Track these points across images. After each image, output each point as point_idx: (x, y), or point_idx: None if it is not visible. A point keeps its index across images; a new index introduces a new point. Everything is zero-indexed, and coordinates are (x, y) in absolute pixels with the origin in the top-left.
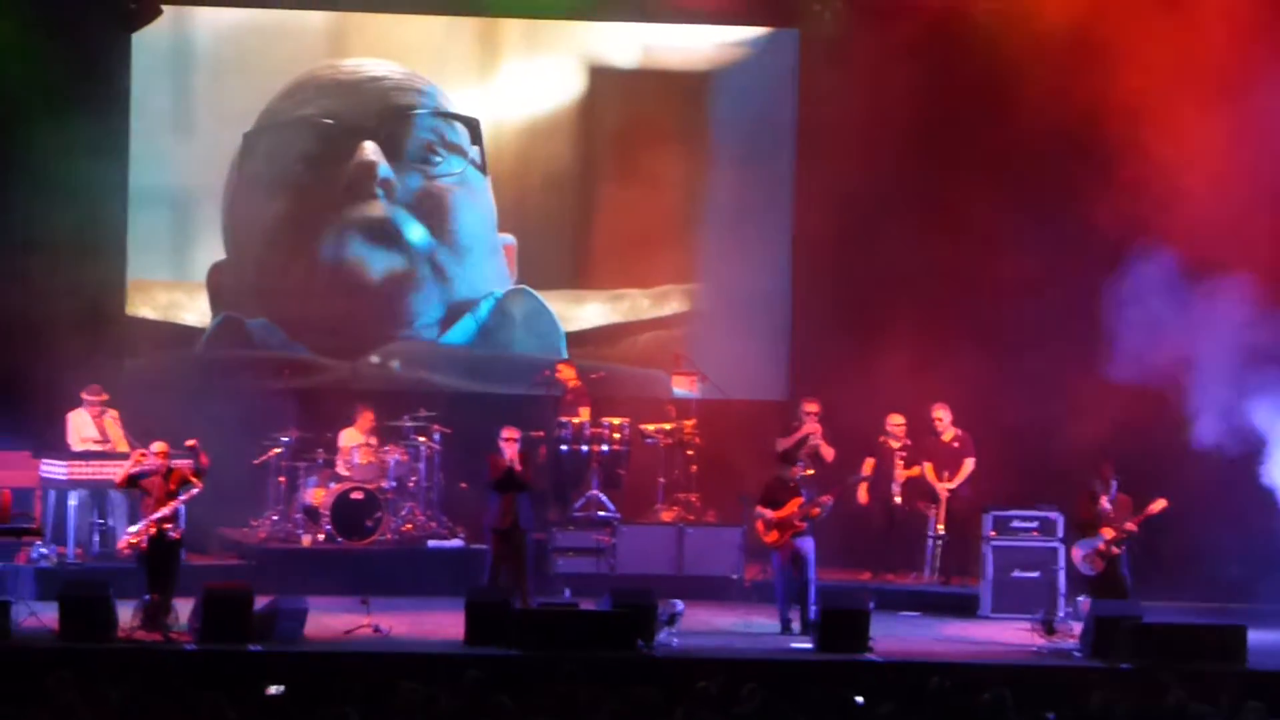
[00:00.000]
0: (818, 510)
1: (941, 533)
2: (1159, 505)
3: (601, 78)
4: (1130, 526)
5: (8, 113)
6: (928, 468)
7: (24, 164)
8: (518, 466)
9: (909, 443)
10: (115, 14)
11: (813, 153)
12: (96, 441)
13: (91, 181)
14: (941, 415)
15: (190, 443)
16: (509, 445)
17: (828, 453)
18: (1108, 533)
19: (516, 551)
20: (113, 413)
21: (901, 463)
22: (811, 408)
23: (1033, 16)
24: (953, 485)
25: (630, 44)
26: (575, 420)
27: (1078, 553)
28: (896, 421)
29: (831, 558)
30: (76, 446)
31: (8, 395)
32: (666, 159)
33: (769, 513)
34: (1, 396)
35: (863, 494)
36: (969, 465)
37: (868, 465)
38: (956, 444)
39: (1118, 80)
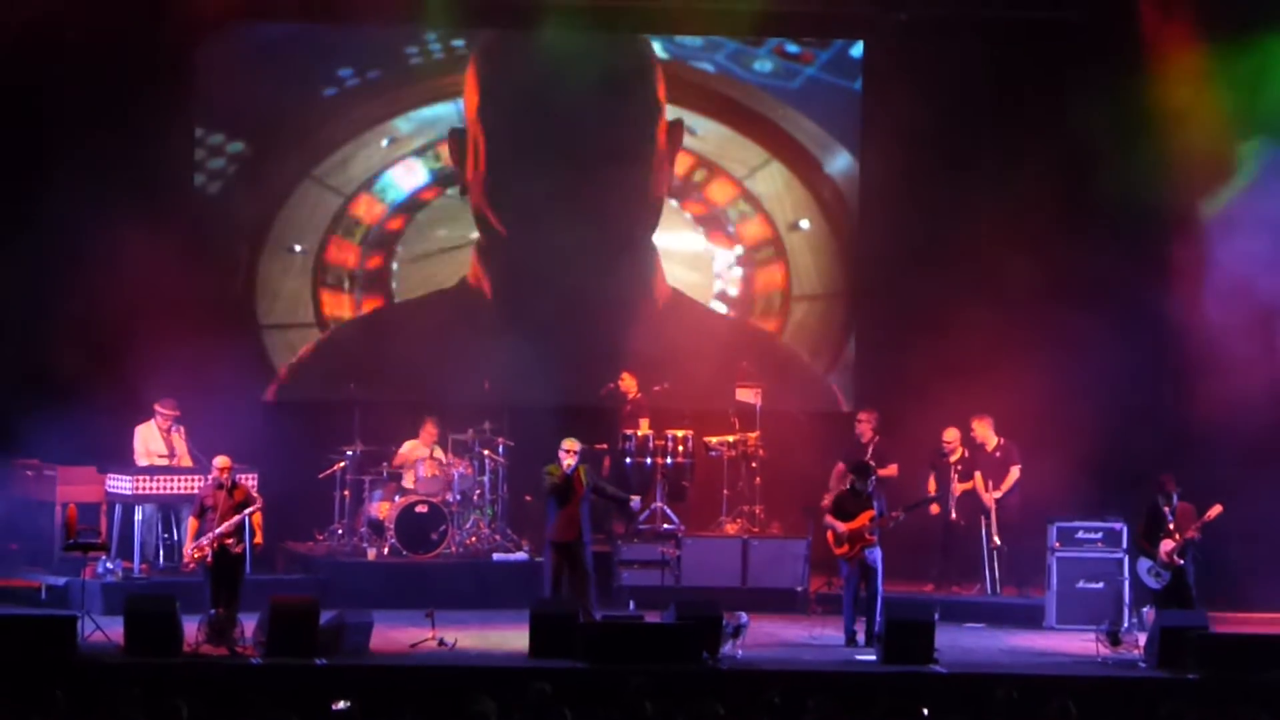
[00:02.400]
0: (889, 522)
1: (997, 544)
2: (1215, 510)
3: None
4: (1192, 534)
5: (61, 130)
6: (976, 477)
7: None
8: (577, 478)
9: (966, 454)
10: None
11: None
12: (163, 456)
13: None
14: (978, 427)
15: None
16: (568, 457)
17: (891, 470)
18: (1168, 544)
19: (576, 563)
20: (179, 428)
21: (957, 476)
22: (862, 417)
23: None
24: (999, 494)
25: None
26: (639, 433)
27: (1141, 566)
28: (950, 437)
29: (893, 570)
30: (143, 460)
31: (75, 410)
32: None
33: (840, 525)
34: (68, 412)
35: (934, 509)
36: (1014, 473)
37: (932, 482)
38: (999, 454)
39: None
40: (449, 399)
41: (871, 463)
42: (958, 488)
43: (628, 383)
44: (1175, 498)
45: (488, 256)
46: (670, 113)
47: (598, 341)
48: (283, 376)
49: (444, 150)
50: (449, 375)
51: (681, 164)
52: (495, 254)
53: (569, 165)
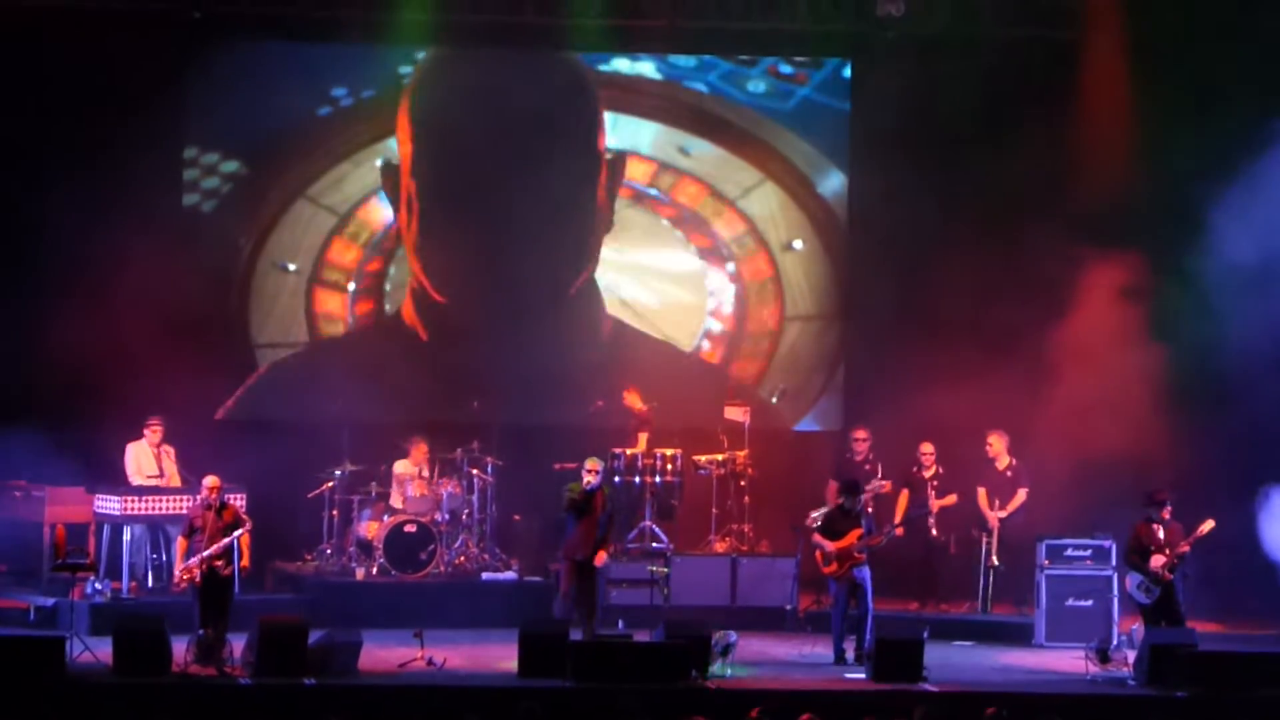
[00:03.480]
0: (879, 540)
1: (996, 564)
2: (1207, 526)
3: None
4: (1183, 549)
5: (53, 151)
6: (981, 494)
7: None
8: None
9: (941, 471)
10: None
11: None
12: (153, 475)
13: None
14: (994, 442)
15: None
16: (590, 476)
17: (885, 487)
18: (1159, 559)
19: (587, 582)
20: (168, 448)
21: (934, 492)
22: (860, 435)
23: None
24: (1004, 514)
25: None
26: (629, 451)
27: (1130, 581)
28: (926, 450)
29: (880, 589)
30: (134, 479)
31: (63, 432)
32: None
33: (829, 544)
34: (57, 433)
35: (899, 532)
36: (1021, 495)
37: (902, 498)
38: (1010, 473)
39: None
40: (438, 418)
41: (879, 482)
42: (935, 504)
43: (631, 398)
44: (1167, 511)
45: (421, 303)
46: (665, 136)
47: (537, 374)
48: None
49: None
50: (379, 401)
51: (688, 194)
52: (428, 305)
53: (505, 227)
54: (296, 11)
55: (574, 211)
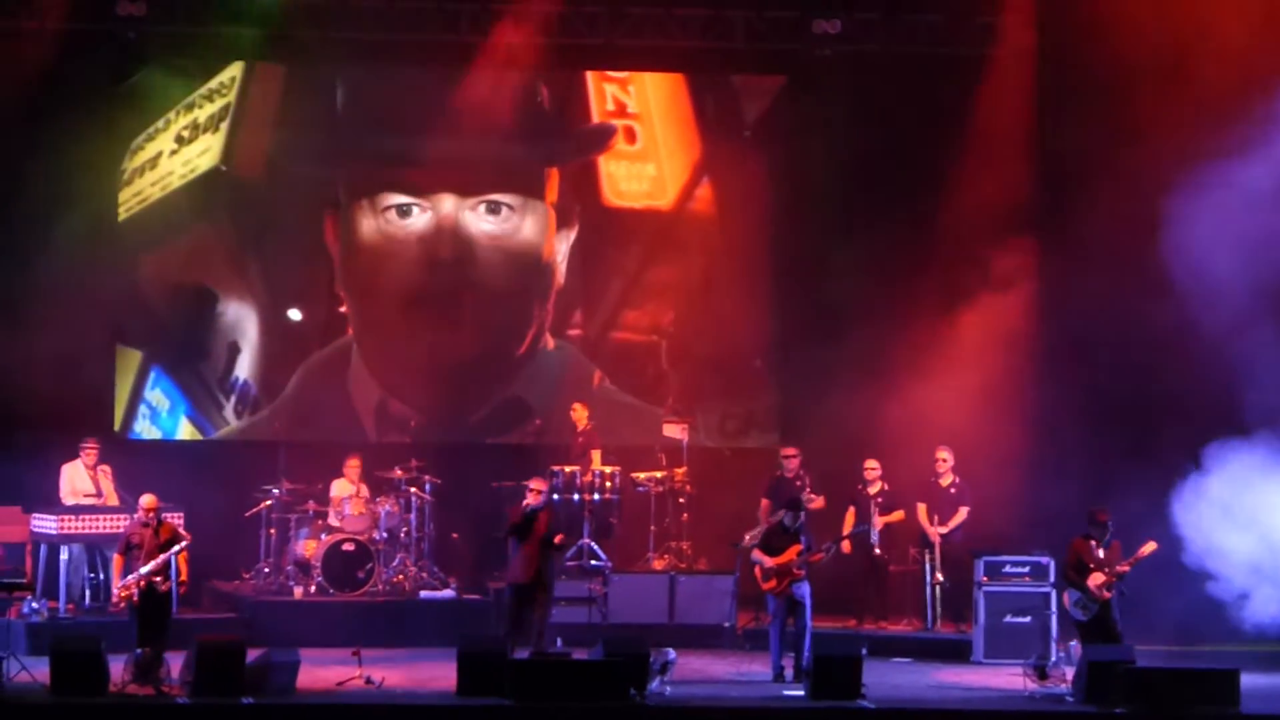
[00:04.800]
0: (819, 557)
1: (940, 580)
2: (1149, 548)
3: None
4: (1122, 569)
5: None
6: (921, 510)
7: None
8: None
9: (886, 487)
10: None
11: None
12: (89, 495)
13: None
14: (944, 457)
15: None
16: (533, 496)
17: (817, 503)
18: (1098, 577)
19: (533, 605)
20: (105, 467)
21: (877, 510)
22: (790, 453)
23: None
24: (944, 530)
25: None
26: (568, 468)
27: (1069, 598)
28: (870, 466)
29: (819, 606)
30: (68, 500)
31: None
32: None
33: (767, 560)
34: None
35: (845, 546)
36: (963, 513)
37: (849, 516)
38: (954, 490)
39: None
40: (376, 438)
41: (809, 496)
42: (879, 520)
43: (579, 413)
44: (1108, 531)
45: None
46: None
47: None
48: None
49: None
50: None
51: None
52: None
53: (445, 324)
54: None
55: (521, 300)
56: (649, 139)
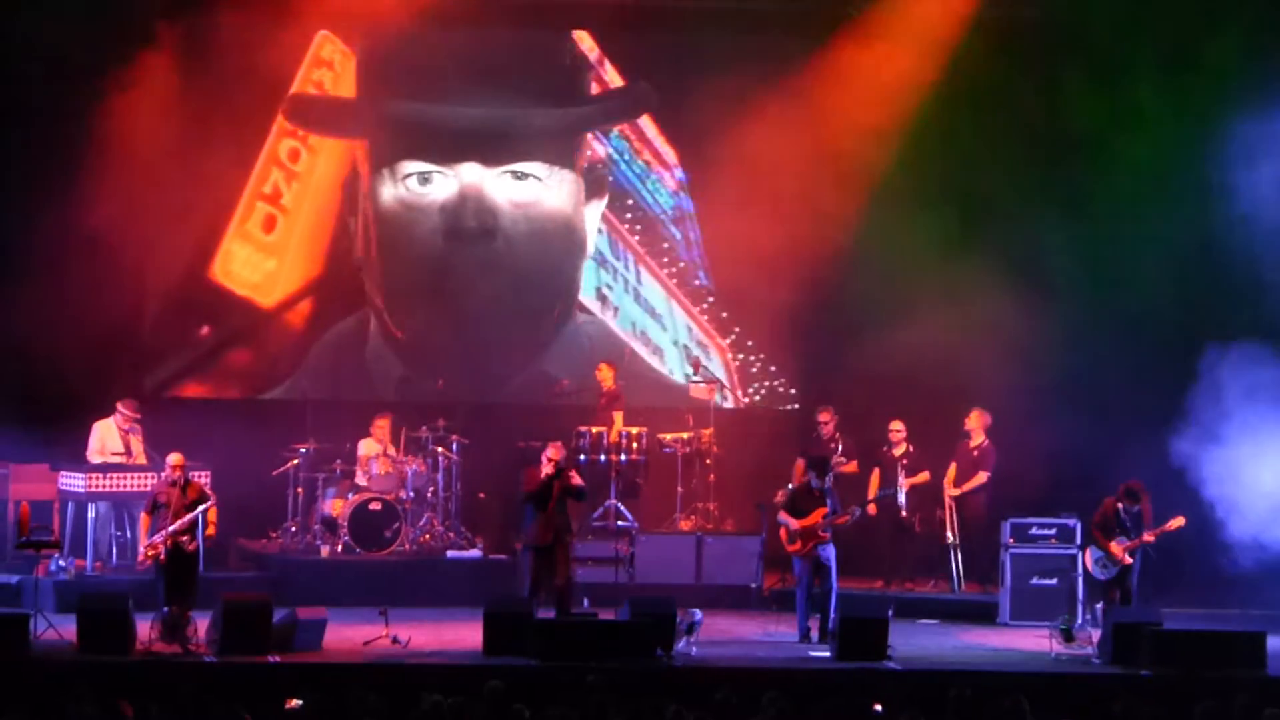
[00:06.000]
0: (844, 519)
1: (951, 540)
2: (1177, 522)
3: None
4: (1147, 538)
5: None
6: (950, 470)
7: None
8: (574, 478)
9: (911, 449)
10: None
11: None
12: (118, 454)
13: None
14: (975, 418)
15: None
16: (549, 465)
17: (849, 467)
18: (1123, 542)
19: (556, 568)
20: (138, 429)
21: (903, 471)
22: (825, 417)
23: None
24: (957, 492)
25: None
26: (594, 430)
27: (1090, 555)
28: (896, 428)
29: (845, 567)
30: (95, 457)
31: (28, 409)
32: None
33: (793, 522)
34: (22, 410)
35: (872, 509)
36: (981, 477)
37: (874, 478)
38: (977, 453)
39: None
40: (406, 397)
41: (839, 460)
42: (905, 482)
43: (604, 373)
44: (1138, 504)
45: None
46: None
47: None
48: None
49: None
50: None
51: None
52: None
53: (469, 296)
54: None
55: (561, 283)
56: None
